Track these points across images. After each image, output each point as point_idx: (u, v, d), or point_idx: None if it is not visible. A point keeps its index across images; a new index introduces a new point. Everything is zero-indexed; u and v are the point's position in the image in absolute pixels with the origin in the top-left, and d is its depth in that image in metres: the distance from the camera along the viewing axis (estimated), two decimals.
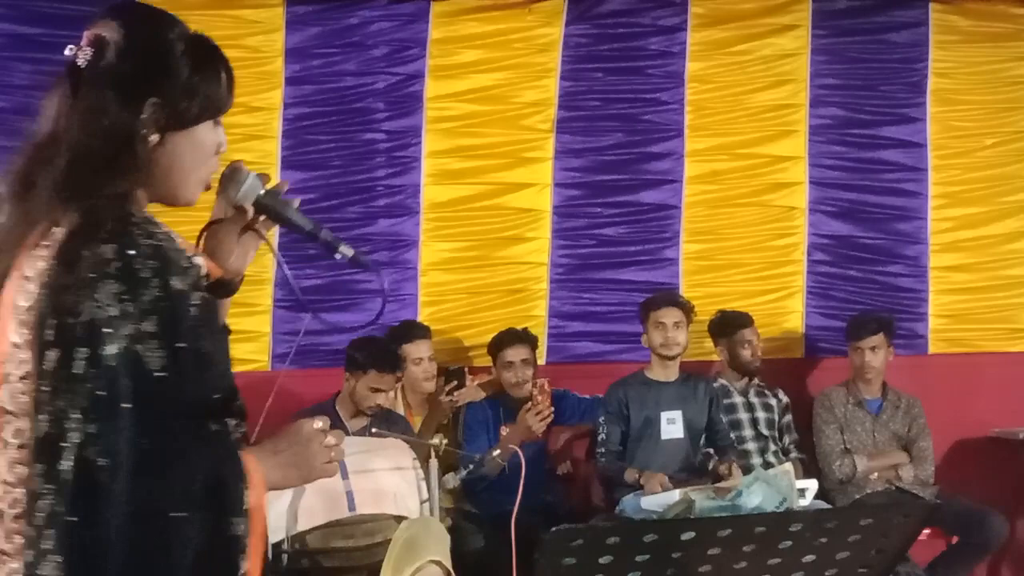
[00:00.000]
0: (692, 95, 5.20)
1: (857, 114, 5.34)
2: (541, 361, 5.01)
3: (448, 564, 3.23)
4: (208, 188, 1.64)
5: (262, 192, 1.67)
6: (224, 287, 1.66)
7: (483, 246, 5.07)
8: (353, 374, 4.20)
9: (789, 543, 2.62)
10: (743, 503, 3.34)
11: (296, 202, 1.71)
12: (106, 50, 1.51)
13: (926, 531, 4.10)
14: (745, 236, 5.26)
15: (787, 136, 5.28)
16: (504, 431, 4.61)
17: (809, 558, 2.66)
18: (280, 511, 3.29)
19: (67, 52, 1.52)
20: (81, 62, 1.51)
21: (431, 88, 5.01)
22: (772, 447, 4.79)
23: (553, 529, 2.51)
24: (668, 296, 4.68)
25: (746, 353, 4.83)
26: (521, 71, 5.09)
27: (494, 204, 5.06)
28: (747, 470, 4.22)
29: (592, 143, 5.15)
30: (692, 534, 2.56)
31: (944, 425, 5.01)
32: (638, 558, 2.53)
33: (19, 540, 1.36)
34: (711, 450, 4.58)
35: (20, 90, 4.66)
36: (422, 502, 3.54)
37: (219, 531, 1.43)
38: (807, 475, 4.39)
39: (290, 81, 4.88)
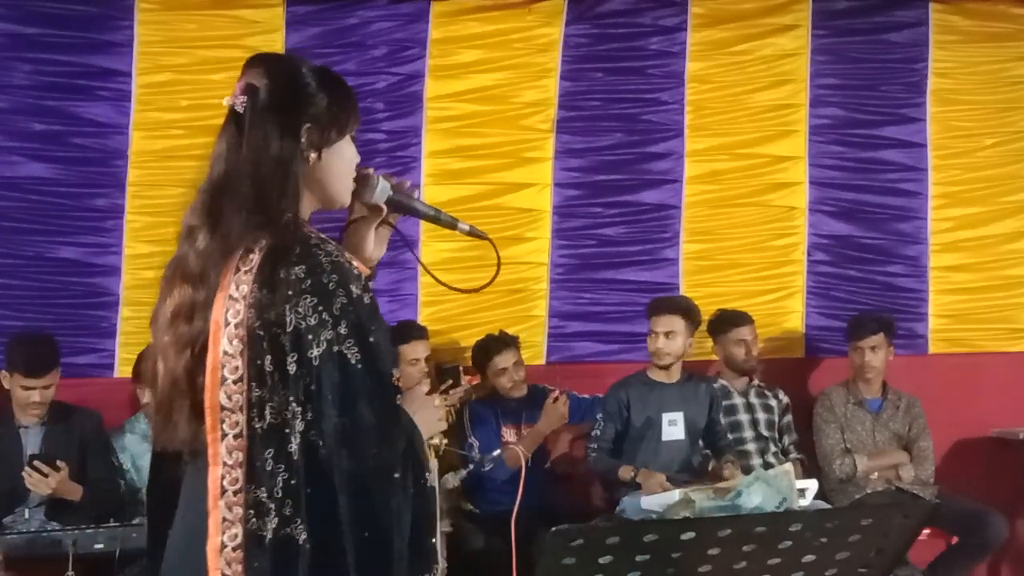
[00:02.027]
0: (692, 95, 5.20)
1: (857, 114, 5.34)
2: (540, 360, 5.02)
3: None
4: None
5: (391, 191, 1.96)
6: (369, 278, 1.92)
7: (483, 246, 5.00)
8: None
9: (789, 543, 2.62)
10: (743, 503, 3.33)
11: (416, 192, 2.03)
12: (258, 94, 1.78)
13: (926, 531, 4.10)
14: (745, 236, 5.26)
15: (787, 136, 5.28)
16: (505, 432, 4.61)
17: (809, 558, 2.66)
18: None
19: (224, 102, 1.80)
20: (240, 108, 1.78)
21: (431, 88, 5.01)
22: (772, 448, 4.79)
23: (553, 529, 2.51)
24: (666, 303, 4.61)
25: (739, 352, 4.82)
26: (521, 71, 5.09)
27: (494, 204, 5.06)
28: (747, 471, 4.21)
29: (592, 143, 5.15)
30: (692, 534, 2.56)
31: (944, 425, 5.01)
32: (638, 558, 2.53)
33: (238, 511, 1.65)
34: (709, 451, 4.58)
35: (20, 90, 4.68)
36: None
37: (420, 485, 1.74)
38: (807, 475, 4.38)
39: None
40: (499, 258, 2.10)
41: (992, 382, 5.26)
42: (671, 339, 4.49)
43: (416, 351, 4.53)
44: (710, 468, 4.36)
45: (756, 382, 4.93)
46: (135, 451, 4.27)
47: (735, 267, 5.25)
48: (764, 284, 5.27)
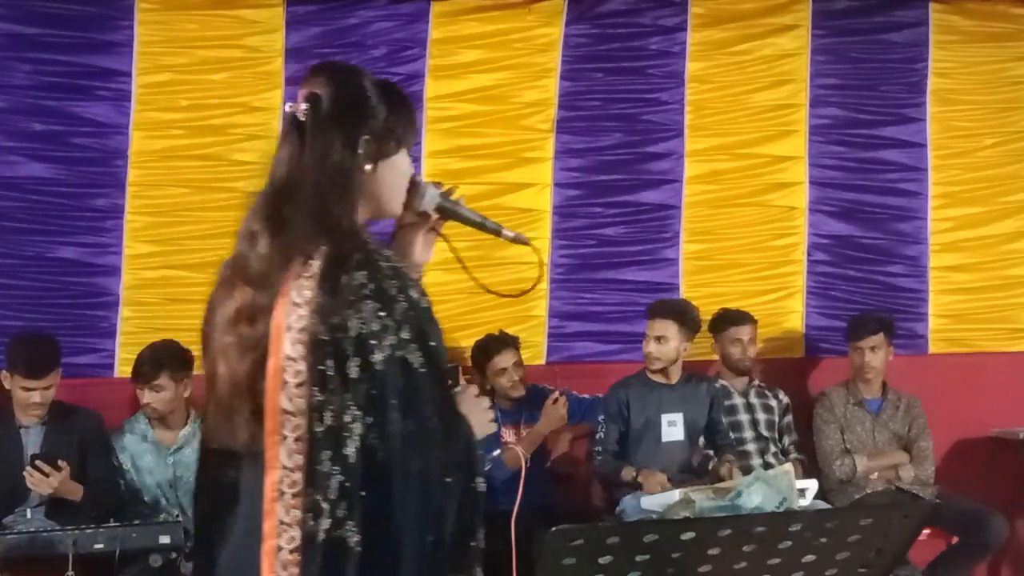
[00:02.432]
0: (692, 95, 5.20)
1: (857, 114, 5.34)
2: (540, 360, 5.01)
3: None
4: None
5: (440, 199, 2.02)
6: None
7: (483, 246, 5.00)
8: None
9: (789, 543, 2.62)
10: (743, 503, 3.33)
11: (462, 199, 2.08)
12: (320, 103, 1.82)
13: (926, 531, 4.10)
14: (745, 236, 5.26)
15: (787, 136, 5.28)
16: (505, 432, 4.61)
17: (809, 558, 2.66)
18: None
19: (287, 108, 1.85)
20: (302, 116, 1.82)
21: (431, 88, 5.00)
22: (772, 448, 4.79)
23: (553, 529, 2.51)
24: (661, 307, 4.59)
25: (735, 351, 4.81)
26: (521, 71, 5.09)
27: (494, 204, 5.04)
28: (747, 471, 4.21)
29: (592, 143, 5.14)
30: (692, 534, 2.57)
31: (944, 425, 5.01)
32: (638, 558, 2.53)
33: (296, 514, 1.66)
34: (710, 451, 4.58)
35: (20, 90, 4.67)
36: None
37: (470, 490, 1.79)
38: (807, 475, 4.38)
39: (290, 81, 4.87)
40: (541, 264, 2.15)
41: (992, 382, 5.26)
42: (662, 344, 4.48)
43: None
44: (710, 468, 4.36)
45: (756, 382, 4.93)
46: (135, 451, 4.27)
47: (735, 267, 5.25)
48: (764, 284, 5.27)
